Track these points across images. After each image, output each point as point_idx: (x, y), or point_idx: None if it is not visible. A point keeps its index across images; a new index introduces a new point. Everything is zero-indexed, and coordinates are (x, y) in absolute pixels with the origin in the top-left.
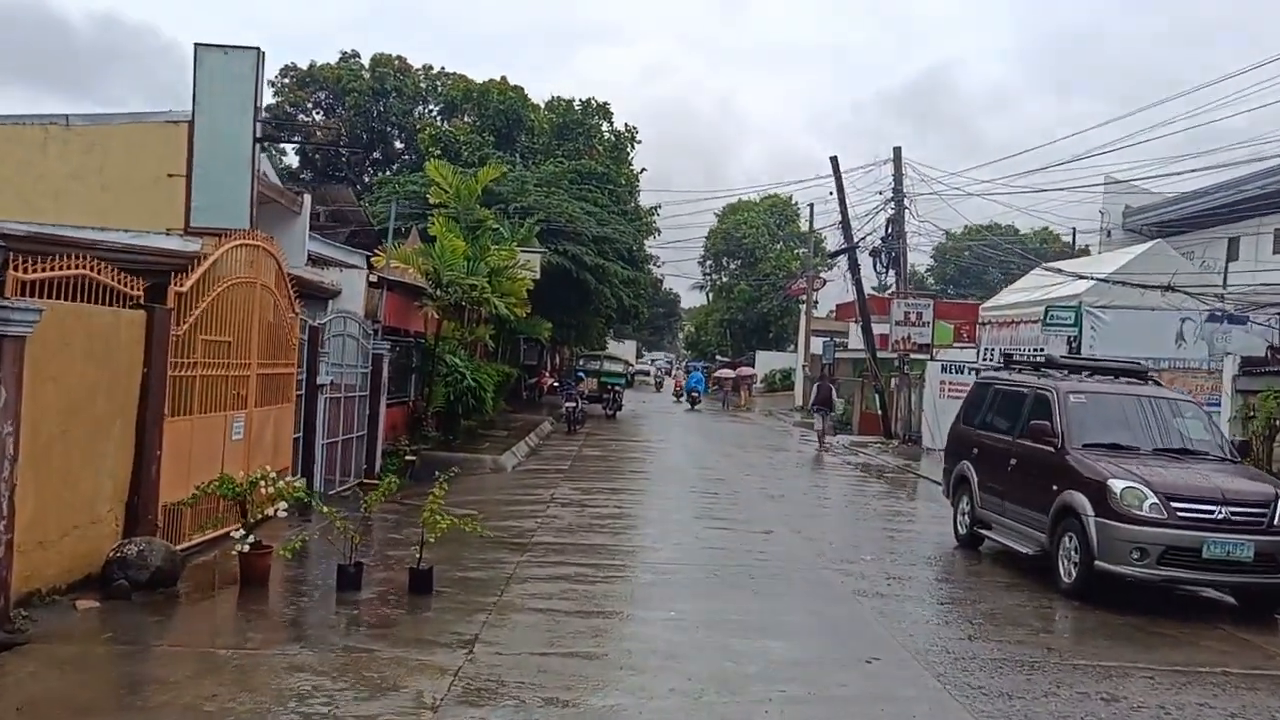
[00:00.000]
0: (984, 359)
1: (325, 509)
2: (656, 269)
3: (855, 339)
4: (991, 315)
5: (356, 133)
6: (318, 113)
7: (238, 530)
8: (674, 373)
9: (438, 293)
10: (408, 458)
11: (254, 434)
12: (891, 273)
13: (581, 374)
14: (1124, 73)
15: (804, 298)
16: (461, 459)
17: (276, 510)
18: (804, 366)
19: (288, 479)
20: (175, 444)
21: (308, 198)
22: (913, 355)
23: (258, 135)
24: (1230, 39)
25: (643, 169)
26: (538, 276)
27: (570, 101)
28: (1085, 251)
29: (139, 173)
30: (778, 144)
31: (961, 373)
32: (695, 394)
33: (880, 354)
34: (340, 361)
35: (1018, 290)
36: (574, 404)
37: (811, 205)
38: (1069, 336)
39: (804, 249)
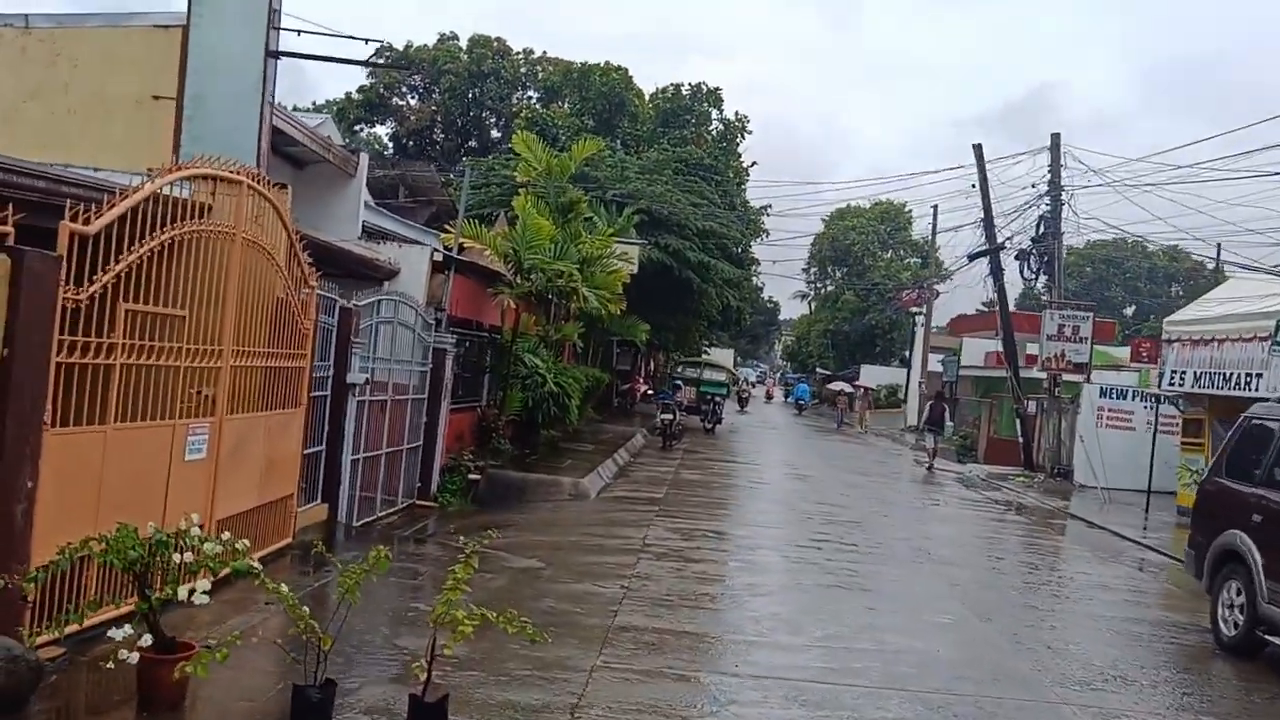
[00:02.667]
0: (1170, 383)
1: (270, 585)
2: (757, 275)
3: (971, 355)
4: (1182, 331)
5: (451, 118)
6: (412, 97)
7: (119, 629)
8: (765, 381)
9: (517, 279)
10: (471, 476)
11: (225, 451)
12: (1040, 279)
13: (679, 382)
14: (1235, 96)
15: (916, 309)
16: (535, 481)
17: (192, 594)
18: (921, 383)
19: (224, 537)
20: (71, 470)
21: (364, 157)
22: (1066, 376)
23: (273, 49)
24: None
25: (753, 163)
26: (635, 270)
27: (679, 86)
28: (1218, 272)
29: (117, 92)
30: (878, 161)
31: (1124, 398)
32: (802, 403)
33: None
34: (389, 356)
35: (1214, 301)
36: (671, 416)
37: (935, 207)
38: None
39: (915, 259)
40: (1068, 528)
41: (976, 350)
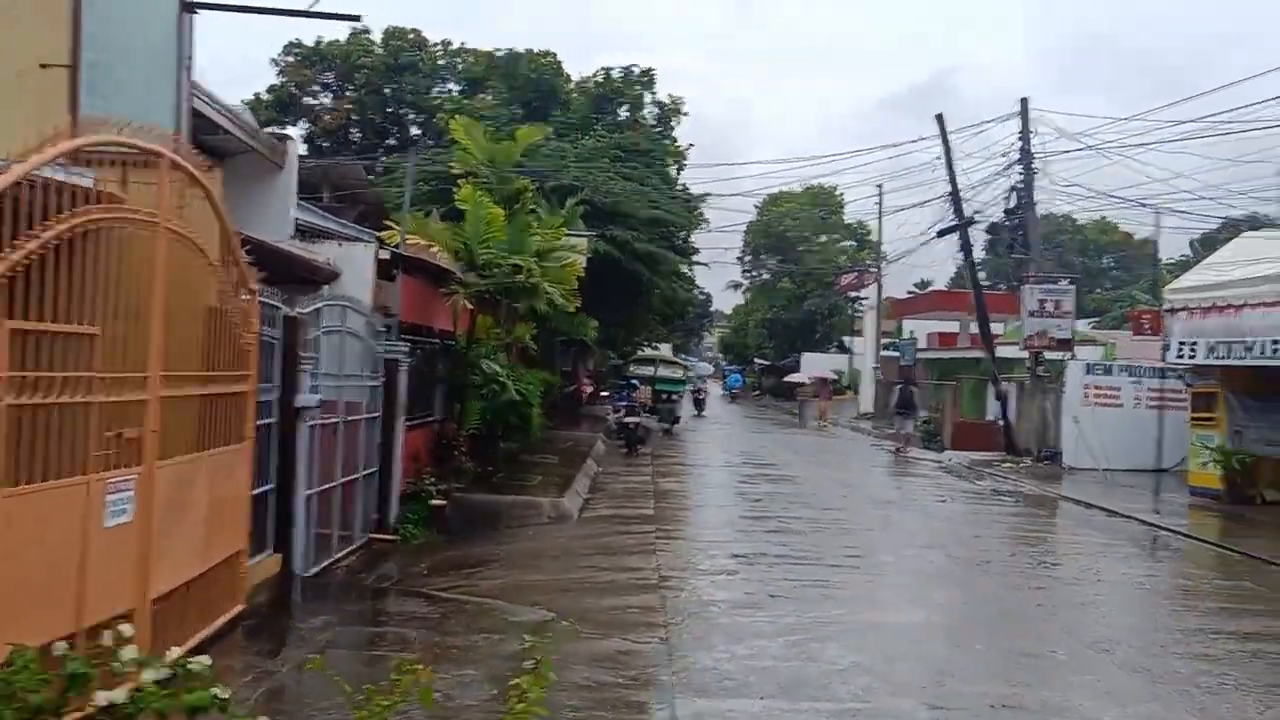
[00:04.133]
0: (1179, 356)
1: None
2: (704, 265)
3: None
4: (1189, 299)
5: (368, 115)
6: (326, 95)
7: None
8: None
9: (471, 277)
10: (435, 502)
11: (158, 508)
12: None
13: (636, 381)
14: (1138, 74)
15: (855, 294)
16: (510, 504)
17: None
18: (875, 369)
19: (170, 654)
20: None
21: (293, 146)
22: (1048, 353)
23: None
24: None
25: (690, 145)
26: (584, 262)
27: (609, 70)
28: (1146, 244)
29: None
30: (792, 148)
31: (1110, 373)
32: (734, 391)
33: (967, 353)
34: (338, 371)
35: (1224, 265)
36: (636, 419)
37: (880, 186)
38: None
39: (850, 242)
40: (1091, 518)
41: (917, 333)
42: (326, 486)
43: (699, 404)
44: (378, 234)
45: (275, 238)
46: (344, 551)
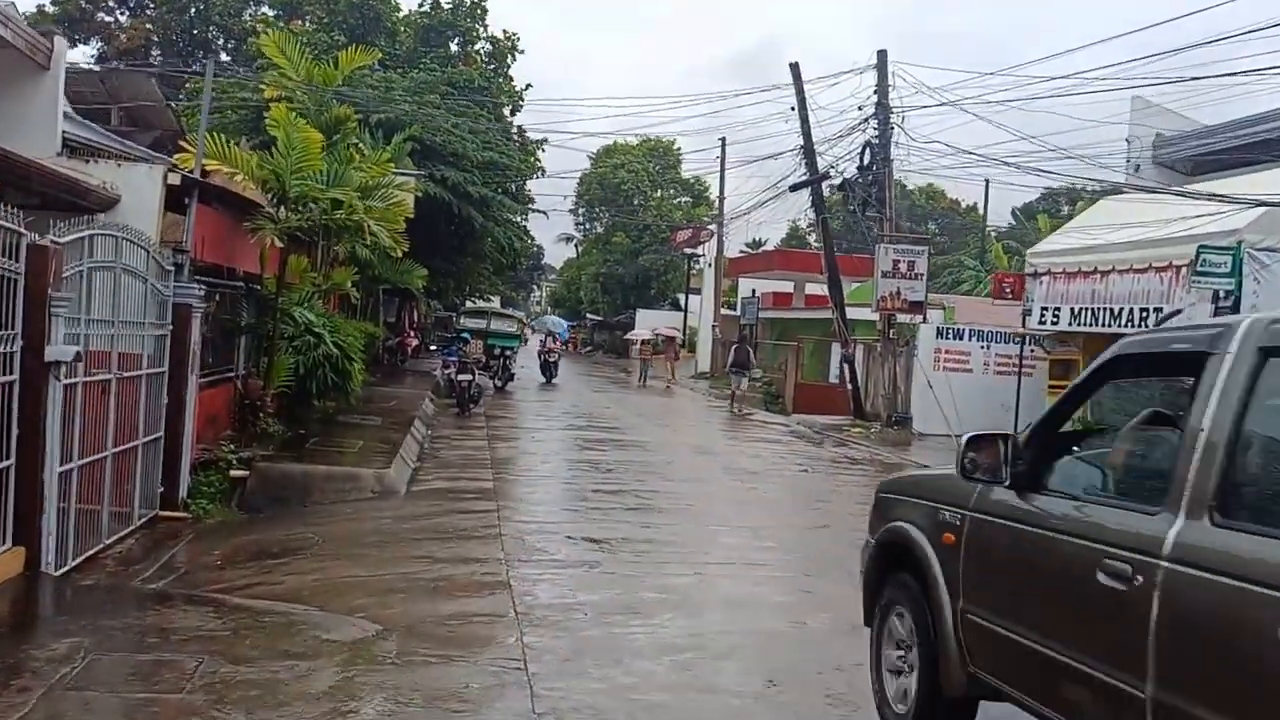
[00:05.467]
0: (1041, 321)
1: None
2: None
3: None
4: (1053, 263)
5: (171, 37)
6: (122, 12)
7: None
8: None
9: (282, 212)
10: (235, 473)
11: None
12: (850, 212)
13: (467, 335)
14: (968, 41)
15: (690, 250)
16: (325, 475)
17: None
18: (714, 327)
19: None
20: None
21: (61, 44)
22: (901, 316)
23: None
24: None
25: (528, 85)
26: (413, 204)
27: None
28: (972, 210)
29: None
30: (622, 107)
31: (961, 338)
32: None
33: (807, 314)
34: (110, 316)
35: (1088, 229)
36: (469, 376)
37: (723, 140)
38: (1217, 292)
39: (686, 197)
40: None
41: (750, 292)
42: (93, 458)
43: (548, 369)
44: (171, 159)
45: (37, 153)
46: (119, 534)
